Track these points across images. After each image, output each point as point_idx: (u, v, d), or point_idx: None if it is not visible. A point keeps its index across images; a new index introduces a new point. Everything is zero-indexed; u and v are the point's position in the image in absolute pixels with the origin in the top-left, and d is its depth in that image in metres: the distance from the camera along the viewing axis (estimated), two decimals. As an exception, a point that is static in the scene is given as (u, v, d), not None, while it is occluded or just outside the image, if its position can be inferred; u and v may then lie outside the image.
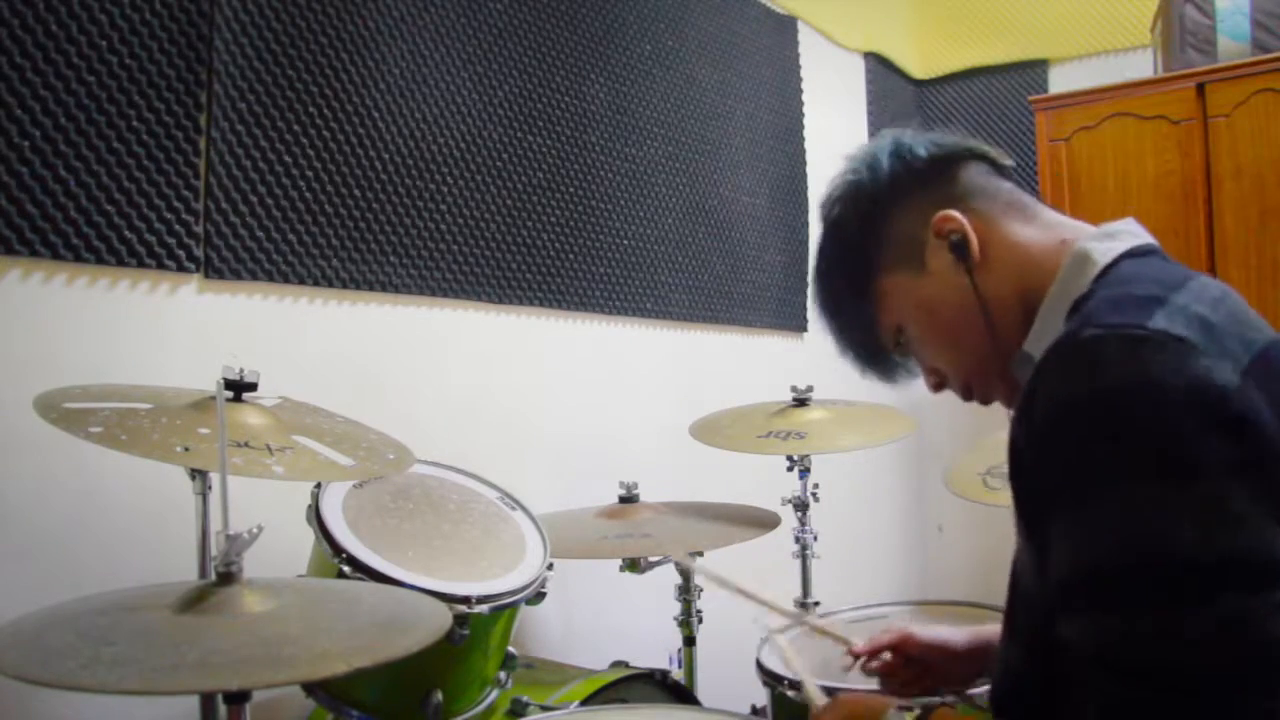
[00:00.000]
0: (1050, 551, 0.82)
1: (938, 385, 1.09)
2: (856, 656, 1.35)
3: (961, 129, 3.95)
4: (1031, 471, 0.85)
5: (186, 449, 1.22)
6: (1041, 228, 1.02)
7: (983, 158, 1.07)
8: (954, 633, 1.32)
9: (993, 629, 1.20)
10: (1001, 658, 1.00)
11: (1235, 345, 0.80)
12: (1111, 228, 0.99)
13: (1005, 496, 0.91)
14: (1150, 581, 0.74)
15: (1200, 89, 2.98)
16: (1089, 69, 3.72)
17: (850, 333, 1.12)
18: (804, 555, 2.25)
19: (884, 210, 1.05)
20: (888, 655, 1.33)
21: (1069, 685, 0.80)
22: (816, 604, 2.24)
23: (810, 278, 1.13)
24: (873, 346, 1.11)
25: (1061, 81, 3.74)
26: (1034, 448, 0.83)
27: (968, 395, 1.08)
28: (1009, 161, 1.08)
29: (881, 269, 1.06)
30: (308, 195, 1.86)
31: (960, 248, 1.00)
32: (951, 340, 1.04)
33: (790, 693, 1.54)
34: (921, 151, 1.05)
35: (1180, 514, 0.73)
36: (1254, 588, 0.72)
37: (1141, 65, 3.49)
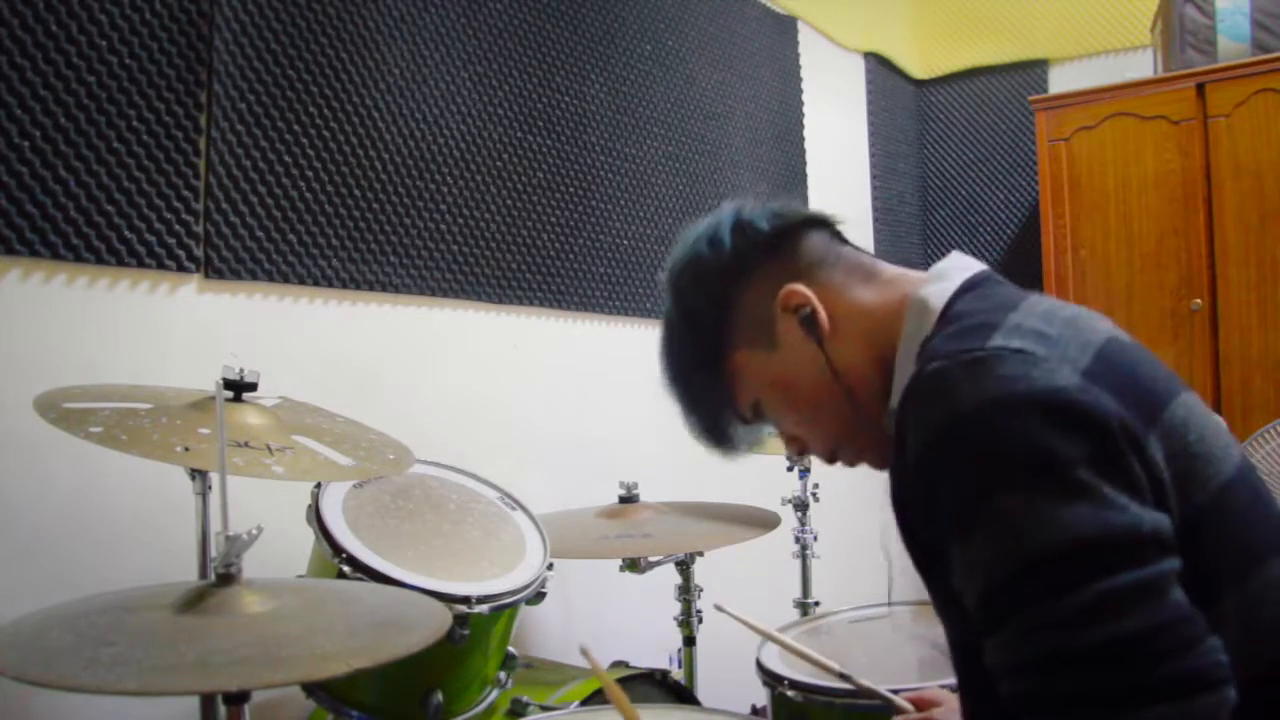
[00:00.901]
0: (958, 590, 0.84)
1: (800, 451, 1.10)
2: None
3: (961, 129, 3.95)
4: (918, 516, 0.87)
5: (186, 449, 1.22)
6: (882, 287, 1.04)
7: (821, 224, 1.08)
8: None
9: None
10: (962, 708, 1.01)
11: (1073, 349, 0.84)
12: (939, 269, 1.01)
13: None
14: (1043, 578, 0.76)
15: (1200, 89, 2.99)
16: (1089, 69, 3.72)
17: (701, 407, 1.11)
18: (804, 555, 2.25)
19: (730, 288, 1.06)
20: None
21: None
22: (817, 604, 2.24)
23: (659, 353, 1.13)
24: (721, 423, 1.11)
25: (1061, 81, 3.74)
26: (914, 492, 0.86)
27: (832, 460, 1.09)
28: (843, 220, 1.10)
29: (732, 346, 1.06)
30: (308, 195, 1.86)
31: (809, 321, 1.02)
32: (811, 411, 1.05)
33: (790, 693, 1.54)
34: (763, 225, 1.06)
35: (1053, 510, 0.76)
36: (1142, 560, 0.75)
37: (1141, 65, 3.49)
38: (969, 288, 0.97)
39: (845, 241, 1.09)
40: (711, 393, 1.09)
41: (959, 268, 1.01)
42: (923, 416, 0.83)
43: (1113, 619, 0.73)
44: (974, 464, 0.79)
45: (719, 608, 1.50)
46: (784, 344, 1.04)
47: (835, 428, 1.05)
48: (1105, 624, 0.73)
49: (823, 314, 1.02)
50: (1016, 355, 0.81)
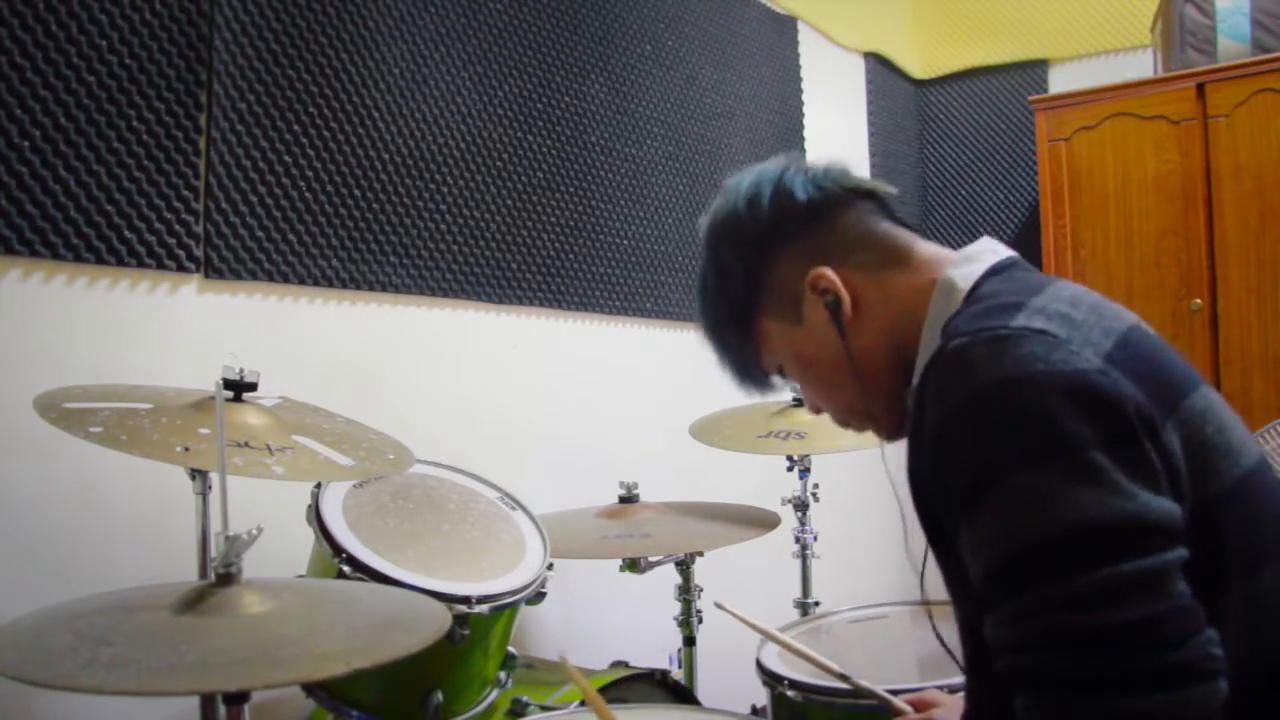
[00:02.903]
0: (964, 563, 0.84)
1: (817, 411, 1.13)
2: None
3: (961, 129, 3.95)
4: (932, 488, 0.88)
5: (186, 449, 1.22)
6: (915, 271, 1.03)
7: (865, 195, 1.07)
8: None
9: None
10: (966, 685, 1.02)
11: (1096, 334, 0.84)
12: (969, 251, 1.02)
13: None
14: (1048, 559, 0.76)
15: (1200, 89, 2.98)
16: (1089, 69, 3.72)
17: (732, 358, 1.14)
18: (804, 555, 2.25)
19: (763, 255, 1.07)
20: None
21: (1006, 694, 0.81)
22: (816, 604, 2.24)
23: (697, 298, 1.14)
24: (753, 371, 1.14)
25: (1061, 81, 3.74)
26: (928, 465, 0.86)
27: (845, 425, 1.12)
28: (892, 190, 1.09)
29: (762, 312, 1.08)
30: (308, 195, 1.86)
31: (834, 307, 1.02)
32: (826, 387, 1.08)
33: (790, 693, 1.54)
34: (800, 196, 1.05)
35: (1064, 492, 0.76)
36: (1147, 549, 0.76)
37: (1141, 65, 3.49)
38: (996, 271, 0.98)
39: (890, 214, 1.08)
40: (739, 349, 1.12)
41: (988, 251, 1.01)
42: (942, 392, 0.84)
43: (1114, 605, 0.74)
44: (988, 441, 0.80)
45: (719, 606, 1.50)
46: (808, 322, 1.05)
47: (848, 402, 1.08)
48: (1106, 610, 0.74)
49: (848, 303, 1.02)
50: (1039, 336, 0.81)
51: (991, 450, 0.80)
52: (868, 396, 1.04)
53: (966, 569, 0.85)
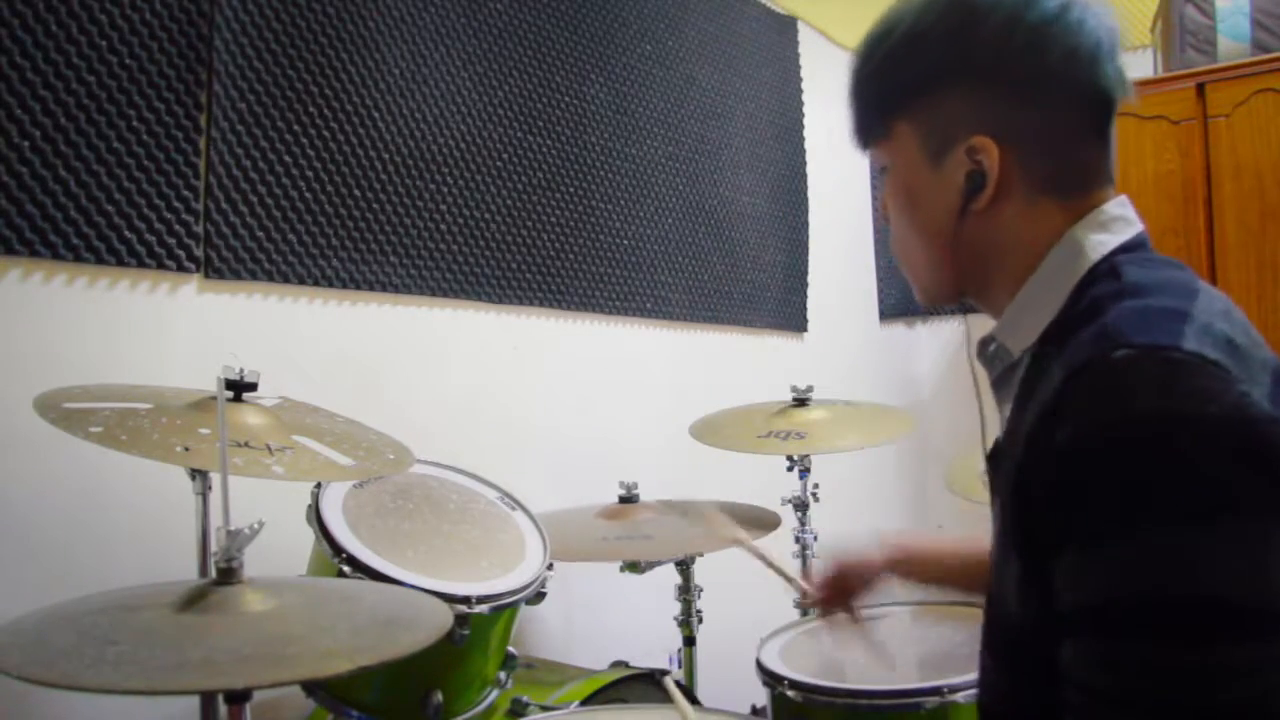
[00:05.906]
0: (1055, 573, 0.79)
1: (887, 220, 1.05)
2: (805, 594, 1.44)
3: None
4: (1047, 493, 0.80)
5: (187, 449, 1.22)
6: (1066, 209, 0.94)
7: (1094, 101, 0.94)
8: (873, 552, 1.36)
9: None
10: (982, 667, 0.99)
11: (1256, 367, 0.78)
12: (1106, 214, 0.94)
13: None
14: (1167, 615, 0.71)
15: (1200, 89, 2.98)
16: (1089, 69, 3.71)
17: (855, 118, 1.03)
18: (804, 555, 2.25)
19: (957, 77, 0.93)
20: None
21: (1061, 711, 0.78)
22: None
23: (868, 35, 1.01)
24: (861, 143, 1.04)
25: (1061, 81, 3.74)
26: (1056, 470, 0.79)
27: (897, 253, 1.05)
28: (1131, 97, 0.96)
29: (910, 119, 0.97)
30: (308, 195, 1.86)
31: (973, 182, 0.92)
32: (907, 227, 1.00)
33: (790, 693, 1.54)
34: (1052, 55, 0.90)
35: (1211, 555, 0.71)
36: (1272, 639, 0.70)
37: (1141, 65, 3.49)
38: (1129, 248, 0.91)
39: (1101, 129, 0.96)
40: (865, 120, 1.01)
41: (1122, 219, 0.93)
42: (1097, 404, 0.76)
43: (1232, 685, 0.69)
44: (1142, 476, 0.73)
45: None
46: (940, 170, 0.95)
47: (911, 252, 1.01)
48: (1228, 689, 0.69)
49: (987, 194, 0.92)
50: (1214, 369, 0.74)
51: (1144, 488, 0.72)
52: (934, 266, 0.98)
53: (1040, 575, 0.80)
